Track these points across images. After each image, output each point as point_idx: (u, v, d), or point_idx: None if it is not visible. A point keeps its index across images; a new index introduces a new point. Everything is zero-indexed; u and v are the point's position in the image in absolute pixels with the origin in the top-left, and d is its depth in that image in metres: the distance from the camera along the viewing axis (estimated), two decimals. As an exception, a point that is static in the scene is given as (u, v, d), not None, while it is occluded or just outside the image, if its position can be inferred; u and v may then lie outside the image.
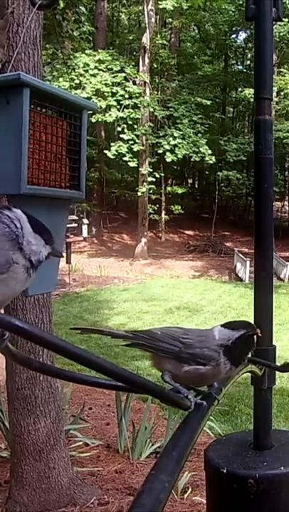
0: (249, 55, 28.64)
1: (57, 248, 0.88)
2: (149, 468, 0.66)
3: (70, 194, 1.22)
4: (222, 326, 1.02)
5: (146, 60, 22.07)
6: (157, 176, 22.13)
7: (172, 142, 20.56)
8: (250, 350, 1.01)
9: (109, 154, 20.55)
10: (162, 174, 22.90)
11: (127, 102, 20.18)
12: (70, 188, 1.22)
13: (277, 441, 1.17)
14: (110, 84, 19.80)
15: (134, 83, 20.77)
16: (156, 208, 23.65)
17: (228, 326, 1.01)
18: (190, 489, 3.93)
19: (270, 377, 1.16)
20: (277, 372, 1.18)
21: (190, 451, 0.77)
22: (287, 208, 30.62)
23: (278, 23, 1.27)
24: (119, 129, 21.00)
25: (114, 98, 19.94)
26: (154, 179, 21.96)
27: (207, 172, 29.07)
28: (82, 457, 4.48)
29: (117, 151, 20.36)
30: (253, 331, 1.00)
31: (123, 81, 20.27)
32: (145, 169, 21.56)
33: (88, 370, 0.67)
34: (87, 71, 19.36)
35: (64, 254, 14.85)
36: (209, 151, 20.67)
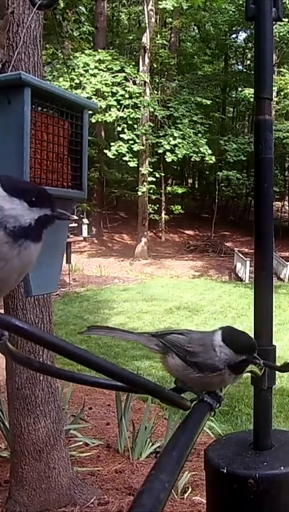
0: (249, 55, 28.65)
1: (60, 210, 0.76)
2: (149, 468, 0.66)
3: (72, 194, 1.22)
4: (223, 338, 0.97)
5: (146, 60, 22.08)
6: (157, 175, 22.14)
7: (172, 142, 20.57)
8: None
9: (110, 154, 20.56)
10: (162, 174, 22.91)
11: (127, 101, 20.19)
12: (72, 187, 1.22)
13: (277, 441, 1.16)
14: (110, 84, 19.81)
15: (134, 83, 20.78)
16: (156, 208, 23.66)
17: (230, 342, 0.96)
18: (190, 489, 3.93)
19: (270, 377, 1.16)
20: (277, 372, 1.17)
21: (190, 451, 0.77)
22: (287, 207, 30.61)
23: (278, 23, 1.27)
24: (119, 128, 21.01)
25: (114, 98, 19.95)
26: (154, 179, 21.96)
27: (207, 172, 29.08)
28: (82, 457, 4.48)
29: (117, 150, 20.37)
30: (254, 360, 0.97)
31: (123, 81, 20.28)
32: (145, 169, 21.57)
33: (88, 370, 0.67)
34: (87, 71, 19.37)
35: (67, 251, 14.79)
36: (209, 151, 20.68)
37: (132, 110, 20.32)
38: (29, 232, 0.70)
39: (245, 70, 28.88)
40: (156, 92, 22.95)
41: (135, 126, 20.86)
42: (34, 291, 1.12)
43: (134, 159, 20.82)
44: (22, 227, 0.69)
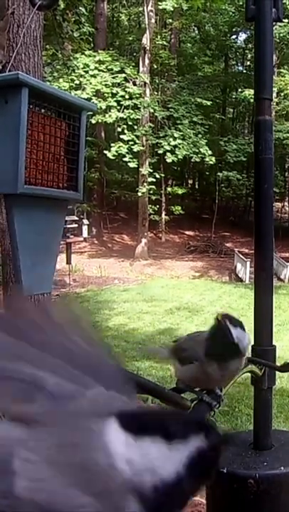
0: (249, 56, 28.65)
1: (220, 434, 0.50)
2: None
3: (67, 195, 1.22)
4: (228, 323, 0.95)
5: (147, 61, 22.08)
6: (157, 176, 22.14)
7: (172, 143, 20.58)
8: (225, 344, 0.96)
9: (110, 155, 20.56)
10: (162, 175, 22.91)
11: (127, 102, 20.19)
12: (68, 188, 1.22)
13: (277, 441, 1.17)
14: (110, 85, 19.81)
15: (134, 84, 20.78)
16: (156, 209, 23.65)
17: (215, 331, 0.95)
18: (190, 490, 3.92)
19: (270, 378, 1.16)
20: (277, 373, 1.18)
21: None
22: (287, 208, 30.61)
23: (278, 23, 1.27)
24: (119, 129, 21.01)
25: (115, 99, 19.95)
26: (154, 180, 21.96)
27: (207, 173, 29.07)
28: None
29: (117, 151, 20.37)
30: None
31: (123, 82, 20.28)
32: (145, 170, 21.57)
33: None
34: (87, 72, 19.37)
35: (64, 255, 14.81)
36: (209, 152, 20.68)
37: (132, 111, 20.32)
38: (177, 491, 0.43)
39: (245, 71, 28.89)
40: (156, 93, 22.95)
41: (135, 127, 20.86)
42: (27, 292, 1.11)
43: (134, 160, 20.82)
44: (165, 485, 0.42)
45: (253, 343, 1.20)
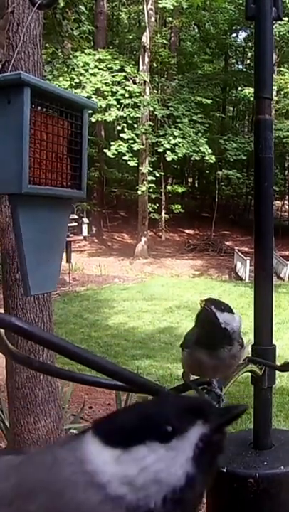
0: (249, 54, 28.61)
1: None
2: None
3: (71, 193, 1.22)
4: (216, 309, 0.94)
5: (146, 59, 22.06)
6: (157, 175, 22.13)
7: (172, 141, 20.57)
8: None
9: (109, 153, 20.56)
10: (162, 173, 22.90)
11: (127, 101, 20.18)
12: (72, 187, 1.22)
13: (277, 440, 1.17)
14: (110, 83, 19.80)
15: (134, 82, 20.77)
16: (156, 207, 23.65)
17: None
18: (190, 488, 3.92)
19: (270, 377, 1.16)
20: (277, 372, 1.18)
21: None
22: (287, 207, 30.60)
23: (278, 22, 1.27)
24: (119, 128, 21.00)
25: (114, 97, 19.94)
26: (154, 178, 21.96)
27: (207, 171, 29.06)
28: (82, 456, 4.47)
29: (117, 150, 20.36)
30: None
31: (123, 80, 20.27)
32: (145, 168, 21.56)
33: (88, 369, 0.67)
34: (87, 70, 19.36)
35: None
36: (209, 150, 20.67)
37: (131, 109, 20.31)
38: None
39: (245, 70, 28.88)
40: (156, 92, 22.93)
41: (135, 125, 20.86)
42: (33, 291, 1.12)
43: (134, 158, 20.81)
44: (177, 492, 0.36)
45: (252, 340, 1.20)
